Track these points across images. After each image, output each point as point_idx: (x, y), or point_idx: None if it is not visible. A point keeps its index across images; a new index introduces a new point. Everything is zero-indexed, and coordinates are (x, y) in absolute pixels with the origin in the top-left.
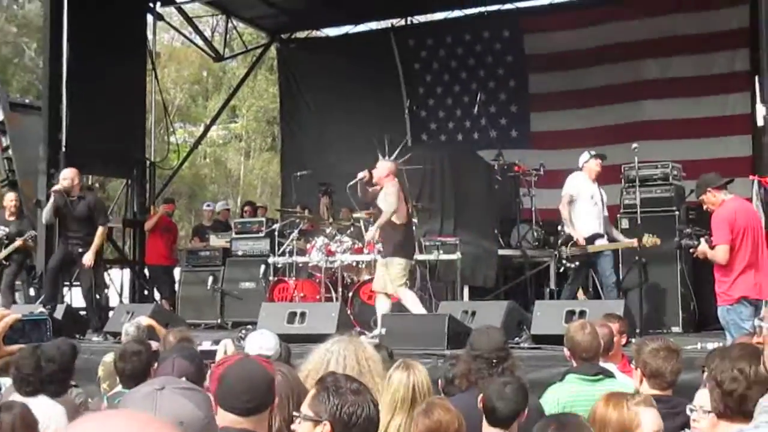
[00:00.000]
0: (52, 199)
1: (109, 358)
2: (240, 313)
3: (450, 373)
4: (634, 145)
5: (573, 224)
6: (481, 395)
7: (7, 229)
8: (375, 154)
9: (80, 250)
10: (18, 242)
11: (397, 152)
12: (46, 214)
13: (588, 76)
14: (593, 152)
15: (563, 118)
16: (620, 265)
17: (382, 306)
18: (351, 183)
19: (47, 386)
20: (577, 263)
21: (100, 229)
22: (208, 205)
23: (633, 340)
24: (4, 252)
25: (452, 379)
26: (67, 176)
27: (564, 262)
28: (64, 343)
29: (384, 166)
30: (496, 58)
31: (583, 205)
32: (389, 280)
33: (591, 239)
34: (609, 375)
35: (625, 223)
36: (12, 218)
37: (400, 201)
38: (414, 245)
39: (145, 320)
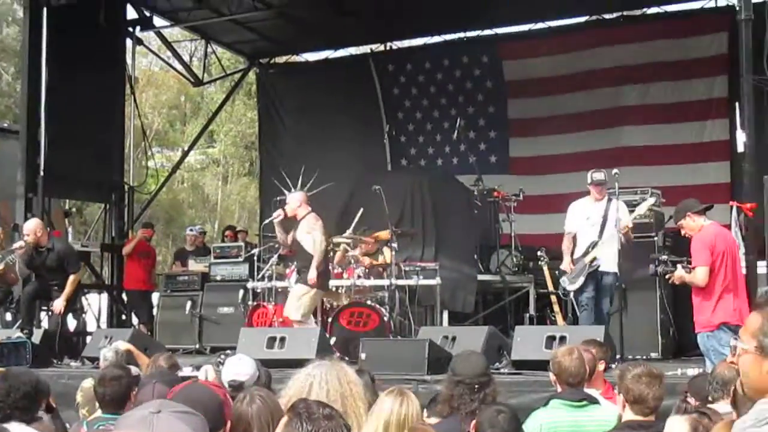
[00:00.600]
0: (18, 260)
1: (87, 383)
2: (219, 338)
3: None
4: (615, 170)
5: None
6: (474, 422)
7: None
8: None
9: (56, 291)
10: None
11: (310, 183)
12: (19, 272)
13: (567, 101)
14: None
15: (542, 143)
16: None
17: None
18: (266, 221)
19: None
20: (579, 282)
21: (72, 277)
22: (191, 230)
23: (613, 366)
24: None
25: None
26: (30, 230)
27: (566, 294)
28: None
29: (295, 198)
30: (476, 83)
31: (579, 231)
32: (293, 308)
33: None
34: (593, 401)
35: None
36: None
37: (323, 233)
38: (329, 276)
39: (123, 345)
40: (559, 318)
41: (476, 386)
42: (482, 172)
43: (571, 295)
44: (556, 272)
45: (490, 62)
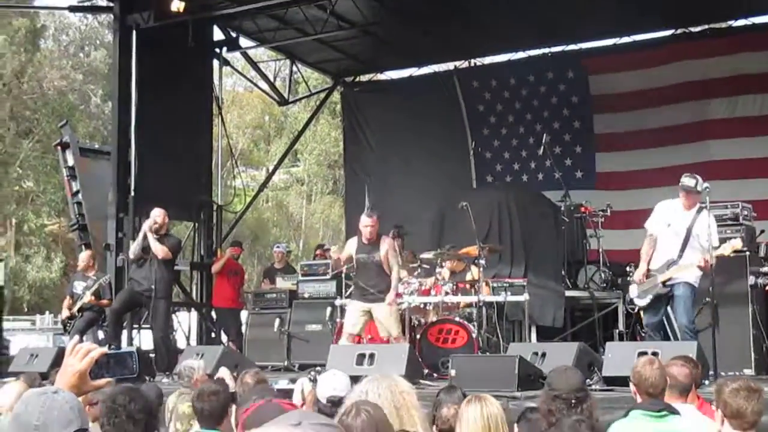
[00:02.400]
0: (141, 234)
1: (173, 398)
2: (307, 356)
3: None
4: (705, 184)
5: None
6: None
7: (85, 283)
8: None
9: (149, 292)
10: (87, 296)
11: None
12: (134, 247)
13: (654, 116)
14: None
15: (629, 158)
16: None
17: None
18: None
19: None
20: (647, 300)
21: (162, 248)
22: (278, 247)
23: (706, 382)
24: (78, 304)
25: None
26: (159, 214)
27: (631, 306)
28: (151, 389)
29: (375, 220)
30: (561, 98)
31: (660, 236)
32: (394, 324)
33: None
34: (674, 411)
35: None
36: (90, 273)
37: None
38: None
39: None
40: None
41: (573, 401)
42: (569, 188)
43: (636, 308)
44: (635, 282)
45: (575, 77)
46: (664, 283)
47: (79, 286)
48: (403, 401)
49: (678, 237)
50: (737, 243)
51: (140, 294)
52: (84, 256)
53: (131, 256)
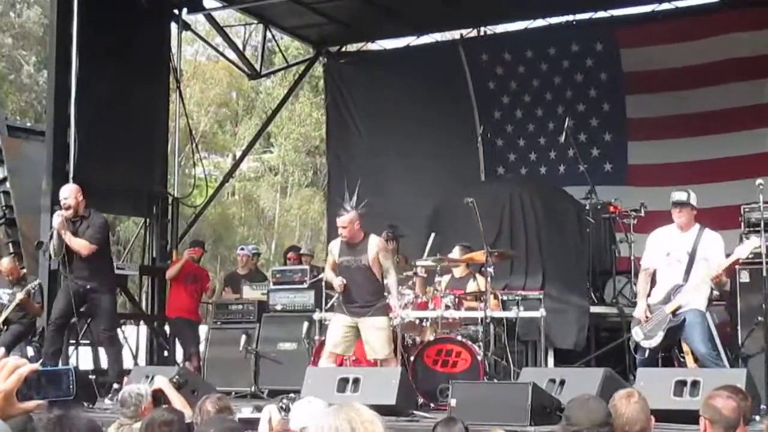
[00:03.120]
0: (54, 233)
1: (113, 429)
2: (278, 380)
3: None
4: (759, 180)
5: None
6: None
7: (10, 292)
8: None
9: (89, 285)
10: (19, 296)
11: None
12: (53, 248)
13: (699, 98)
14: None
15: (669, 148)
16: (739, 328)
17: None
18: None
19: None
20: (652, 343)
21: (83, 242)
22: (242, 249)
23: (757, 417)
24: (5, 313)
25: None
26: (70, 194)
27: (636, 354)
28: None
29: (354, 218)
30: (588, 75)
31: (659, 268)
32: (384, 344)
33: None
34: None
35: (745, 276)
36: (14, 282)
37: None
38: None
39: (159, 381)
40: (689, 360)
41: None
42: (595, 183)
43: (646, 353)
44: (637, 322)
45: (605, 50)
46: (674, 312)
47: (4, 295)
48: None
49: (681, 264)
50: (754, 242)
51: (79, 294)
52: (5, 262)
53: (53, 256)
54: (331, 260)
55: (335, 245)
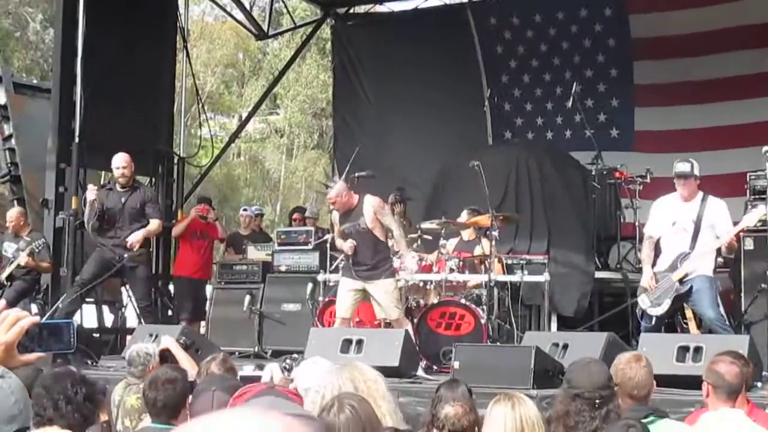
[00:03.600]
0: (91, 206)
1: (119, 389)
2: (282, 340)
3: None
4: (765, 148)
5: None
6: None
7: (16, 245)
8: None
9: (126, 254)
10: (23, 257)
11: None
12: (88, 221)
13: (708, 64)
14: (676, 165)
15: (675, 115)
16: (742, 295)
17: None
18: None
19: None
20: (659, 311)
21: (156, 222)
22: (246, 209)
23: (759, 384)
24: (7, 270)
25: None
26: (125, 163)
27: (642, 321)
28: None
29: (342, 188)
30: (596, 41)
31: (664, 236)
32: (393, 305)
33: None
34: (662, 415)
35: (749, 244)
36: (23, 233)
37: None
38: None
39: (166, 341)
40: (692, 325)
41: (597, 401)
42: (602, 149)
43: (652, 321)
44: (644, 290)
45: (613, 15)
46: (680, 281)
47: (9, 248)
48: (368, 391)
49: (686, 232)
50: (762, 211)
51: (113, 262)
52: (13, 213)
53: (89, 229)
54: (337, 230)
55: (335, 215)
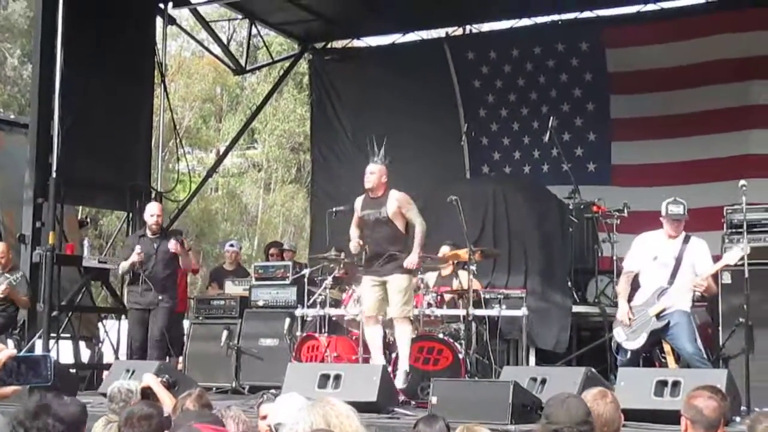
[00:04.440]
0: (129, 264)
1: (99, 426)
2: (259, 376)
3: None
4: (742, 182)
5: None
6: None
7: None
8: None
9: (160, 296)
10: (2, 288)
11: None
12: (124, 266)
13: (683, 99)
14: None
15: (652, 148)
16: (720, 329)
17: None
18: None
19: None
20: (635, 345)
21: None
22: (231, 245)
23: (737, 419)
24: None
25: None
26: (158, 211)
27: (618, 355)
28: (74, 403)
29: (381, 169)
30: (573, 75)
31: (644, 271)
32: (400, 302)
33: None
34: None
35: (727, 278)
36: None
37: None
38: None
39: (147, 379)
40: (670, 359)
41: None
42: (579, 183)
43: (627, 354)
44: (620, 323)
45: (590, 50)
46: (657, 315)
47: None
48: (341, 426)
49: (667, 268)
50: (744, 249)
51: (145, 316)
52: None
53: (120, 274)
54: (356, 217)
55: (359, 201)
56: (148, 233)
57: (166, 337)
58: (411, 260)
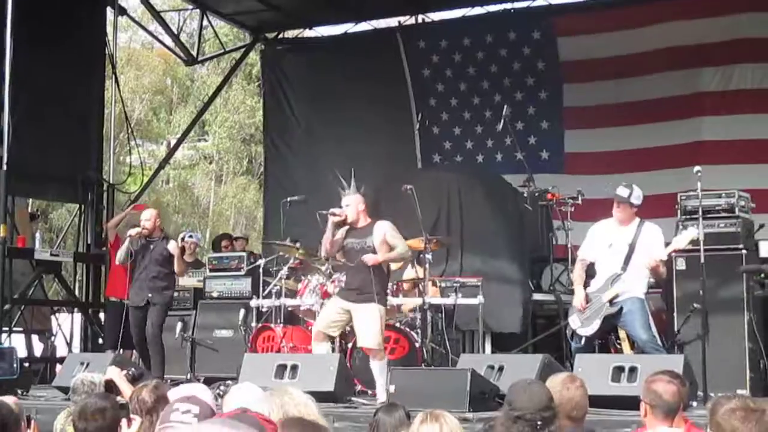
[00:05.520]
0: (127, 241)
1: (61, 418)
2: (215, 367)
3: None
4: (697, 168)
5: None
6: None
7: None
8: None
9: (150, 294)
10: None
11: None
12: (121, 254)
13: (635, 86)
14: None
15: (605, 136)
16: (675, 314)
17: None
18: (322, 212)
19: None
20: (589, 331)
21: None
22: (191, 236)
23: (694, 404)
24: None
25: None
26: (151, 217)
27: (572, 341)
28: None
29: (358, 200)
30: (525, 64)
31: (599, 258)
32: (374, 333)
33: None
34: None
35: (681, 264)
36: None
37: None
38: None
39: (111, 372)
40: (626, 345)
41: (538, 423)
42: (533, 171)
43: (582, 341)
44: (575, 310)
45: (542, 38)
46: (610, 301)
47: None
48: (299, 415)
49: (620, 254)
50: (693, 233)
51: (139, 310)
52: None
53: (118, 262)
54: (331, 235)
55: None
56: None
57: (160, 333)
58: (370, 257)
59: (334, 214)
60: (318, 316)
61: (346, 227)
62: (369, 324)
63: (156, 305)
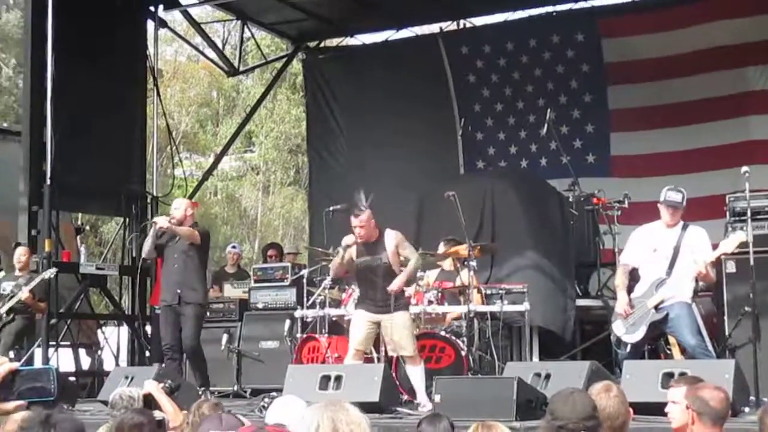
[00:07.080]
0: (152, 232)
1: None
2: (260, 378)
3: None
4: (744, 168)
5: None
6: None
7: (13, 283)
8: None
9: (179, 290)
10: (24, 293)
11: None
12: (146, 246)
13: (681, 87)
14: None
15: (651, 139)
16: (725, 318)
17: None
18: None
19: None
20: (634, 338)
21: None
22: (234, 247)
23: (746, 409)
24: (7, 305)
25: None
26: (180, 206)
27: (618, 349)
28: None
29: (368, 217)
30: (569, 67)
31: (643, 264)
32: (409, 341)
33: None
34: None
35: (731, 267)
36: (23, 272)
37: None
38: None
39: (149, 385)
40: (676, 351)
41: None
42: (578, 175)
43: (627, 348)
44: (619, 316)
45: (586, 41)
46: (656, 307)
47: (7, 286)
48: None
49: (665, 258)
50: (741, 236)
51: (175, 309)
52: (20, 252)
53: (144, 255)
54: (341, 257)
55: (350, 239)
56: None
57: (198, 345)
58: (394, 284)
59: (348, 246)
60: (350, 334)
61: (354, 246)
62: (404, 332)
63: (189, 305)
